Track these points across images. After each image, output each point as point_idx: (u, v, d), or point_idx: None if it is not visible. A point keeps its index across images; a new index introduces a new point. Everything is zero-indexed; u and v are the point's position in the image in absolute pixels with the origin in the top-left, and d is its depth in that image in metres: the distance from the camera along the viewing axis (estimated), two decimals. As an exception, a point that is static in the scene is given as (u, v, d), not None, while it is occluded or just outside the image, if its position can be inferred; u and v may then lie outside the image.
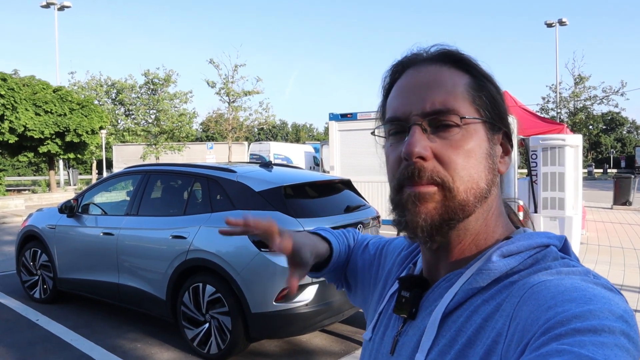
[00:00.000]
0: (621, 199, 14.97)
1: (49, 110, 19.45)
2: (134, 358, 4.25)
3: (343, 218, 4.32)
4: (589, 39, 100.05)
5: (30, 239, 5.95)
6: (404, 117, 0.67)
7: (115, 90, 32.38)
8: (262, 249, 3.86)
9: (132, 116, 32.17)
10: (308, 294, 3.91)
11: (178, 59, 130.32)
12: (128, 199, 5.22)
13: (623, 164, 52.30)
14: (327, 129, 14.15)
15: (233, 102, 25.33)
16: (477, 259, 0.67)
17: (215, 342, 4.08)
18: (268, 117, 26.80)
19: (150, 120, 31.34)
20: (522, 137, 8.37)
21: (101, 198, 5.78)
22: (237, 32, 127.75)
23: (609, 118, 53.62)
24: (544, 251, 0.63)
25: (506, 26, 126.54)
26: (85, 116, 20.70)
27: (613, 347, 0.46)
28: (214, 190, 4.39)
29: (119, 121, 32.55)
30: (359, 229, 4.37)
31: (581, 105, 33.24)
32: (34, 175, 50.38)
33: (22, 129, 18.39)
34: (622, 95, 32.49)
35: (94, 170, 33.45)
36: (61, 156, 21.55)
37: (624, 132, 66.03)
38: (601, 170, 48.29)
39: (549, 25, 30.70)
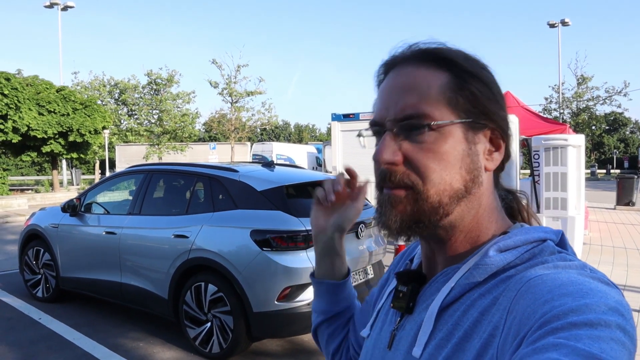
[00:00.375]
0: (624, 199, 14.94)
1: (52, 110, 19.51)
2: (136, 357, 4.26)
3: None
4: (591, 39, 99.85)
5: (33, 238, 5.97)
6: (380, 122, 0.69)
7: (118, 90, 32.46)
8: (264, 249, 3.87)
9: (135, 116, 32.24)
10: (310, 294, 3.92)
11: (181, 59, 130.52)
12: (130, 198, 5.23)
13: (626, 164, 52.17)
14: (329, 130, 14.15)
15: (236, 102, 25.39)
16: (474, 253, 0.67)
17: (217, 342, 4.08)
18: (270, 117, 26.85)
19: (153, 121, 31.39)
20: (524, 137, 8.37)
21: (104, 197, 5.80)
22: (240, 33, 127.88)
23: (611, 118, 53.47)
24: (540, 245, 0.64)
25: (508, 26, 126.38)
26: (88, 116, 20.75)
27: (609, 341, 0.46)
28: (216, 190, 4.40)
29: (122, 121, 32.62)
30: (360, 228, 4.37)
31: (584, 105, 33.19)
32: (37, 175, 50.51)
33: (26, 128, 18.45)
34: (625, 95, 32.44)
35: (97, 170, 33.52)
36: (64, 156, 21.61)
37: (627, 133, 65.80)
38: (604, 171, 48.18)
39: (552, 26, 30.64)
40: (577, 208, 7.33)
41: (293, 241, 3.91)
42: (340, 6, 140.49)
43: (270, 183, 4.24)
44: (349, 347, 0.99)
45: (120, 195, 6.57)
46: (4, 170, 20.58)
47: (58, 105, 19.69)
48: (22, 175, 52.28)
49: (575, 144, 7.14)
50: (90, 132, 20.81)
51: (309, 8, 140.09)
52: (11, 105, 17.59)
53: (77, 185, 28.09)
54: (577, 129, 30.25)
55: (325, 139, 43.49)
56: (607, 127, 57.36)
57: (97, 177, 32.61)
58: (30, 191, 22.10)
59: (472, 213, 0.68)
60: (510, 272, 0.62)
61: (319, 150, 28.44)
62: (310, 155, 28.69)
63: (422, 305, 0.69)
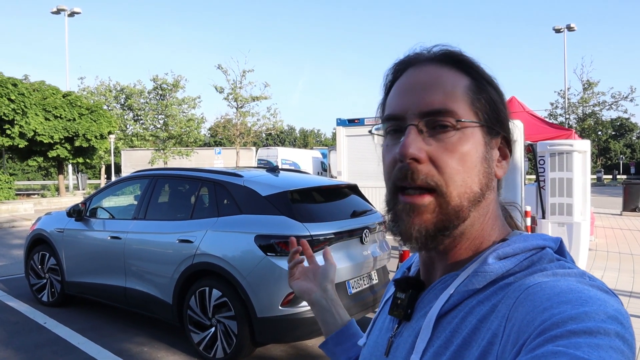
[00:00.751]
0: (630, 205, 14.84)
1: (59, 115, 19.63)
2: (141, 362, 4.26)
3: (349, 223, 4.32)
4: (597, 44, 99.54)
5: (38, 243, 5.99)
6: (401, 116, 0.67)
7: (124, 96, 32.67)
8: (268, 254, 3.87)
9: (141, 121, 32.41)
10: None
11: (186, 65, 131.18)
12: (136, 203, 5.25)
13: (632, 170, 51.83)
14: (334, 135, 14.14)
15: (241, 107, 25.45)
16: (473, 261, 0.67)
17: (222, 346, 4.08)
18: (276, 122, 26.89)
19: (158, 126, 31.56)
20: (529, 142, 8.34)
21: (109, 202, 5.82)
22: (245, 38, 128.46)
23: (618, 124, 53.24)
24: (539, 253, 0.63)
25: (514, 32, 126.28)
26: (94, 121, 20.86)
27: (608, 349, 0.46)
28: (221, 195, 4.41)
29: (128, 126, 32.81)
30: (364, 233, 4.37)
31: (590, 111, 33.07)
32: (44, 180, 50.75)
33: (32, 133, 18.57)
34: (631, 100, 32.31)
35: (103, 175, 33.67)
36: (70, 161, 21.70)
37: (634, 138, 65.43)
38: (610, 177, 47.92)
39: (557, 31, 30.63)
40: (583, 214, 7.30)
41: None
42: (345, 11, 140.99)
43: (274, 188, 4.24)
44: None
45: (125, 200, 6.60)
46: (11, 175, 20.73)
47: (64, 110, 19.81)
48: (29, 180, 52.56)
49: (581, 149, 7.10)
50: (96, 137, 20.91)
51: (314, 13, 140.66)
52: (18, 111, 17.71)
53: (83, 190, 28.20)
54: (583, 134, 30.13)
55: (330, 144, 43.51)
56: (613, 133, 57.11)
57: (103, 181, 32.76)
58: (36, 196, 22.20)
59: (480, 220, 0.68)
60: (509, 280, 0.62)
61: (324, 155, 28.50)
62: (315, 160, 28.73)
63: (420, 313, 0.69)
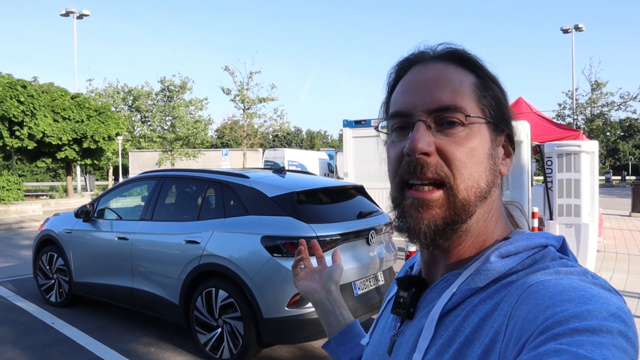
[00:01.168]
0: (639, 206, 14.72)
1: (67, 116, 19.77)
2: (147, 362, 4.27)
3: (355, 224, 4.32)
4: (606, 44, 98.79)
5: (47, 243, 6.04)
6: (408, 113, 0.68)
7: (131, 97, 32.84)
8: (275, 254, 3.87)
9: (148, 123, 32.56)
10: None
11: (194, 66, 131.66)
12: (143, 204, 5.28)
13: (642, 171, 51.40)
14: (341, 136, 14.12)
15: (248, 109, 25.52)
16: (475, 259, 0.67)
17: (228, 347, 4.09)
18: (282, 123, 26.95)
19: (165, 127, 31.70)
20: (537, 143, 8.30)
21: (116, 203, 5.85)
22: (252, 39, 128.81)
23: (627, 124, 52.75)
24: (542, 251, 0.63)
25: (521, 32, 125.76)
26: (102, 123, 20.99)
27: (611, 347, 0.46)
28: (227, 196, 4.42)
29: (135, 128, 32.96)
30: (371, 234, 4.36)
31: (598, 111, 32.87)
32: (52, 181, 51.14)
33: (41, 135, 18.71)
34: (640, 101, 32.04)
35: (111, 176, 33.87)
36: (78, 162, 21.85)
37: (643, 139, 64.87)
38: (619, 177, 47.57)
39: (565, 31, 30.47)
40: (591, 215, 7.25)
41: (303, 247, 3.90)
42: (353, 12, 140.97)
43: (281, 189, 4.25)
44: None
45: (132, 201, 6.63)
46: (20, 176, 20.88)
47: (73, 112, 19.95)
48: (37, 181, 52.98)
49: (589, 150, 7.06)
50: (104, 138, 21.04)
51: (321, 15, 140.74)
52: (27, 112, 17.86)
53: (91, 191, 28.38)
54: (591, 135, 29.95)
55: (337, 145, 43.50)
56: (622, 133, 56.64)
57: (110, 183, 32.95)
58: (44, 197, 22.37)
59: (484, 217, 0.68)
60: (512, 278, 0.62)
61: (331, 157, 28.47)
62: (322, 161, 28.72)
63: (423, 311, 0.69)
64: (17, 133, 18.09)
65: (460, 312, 0.63)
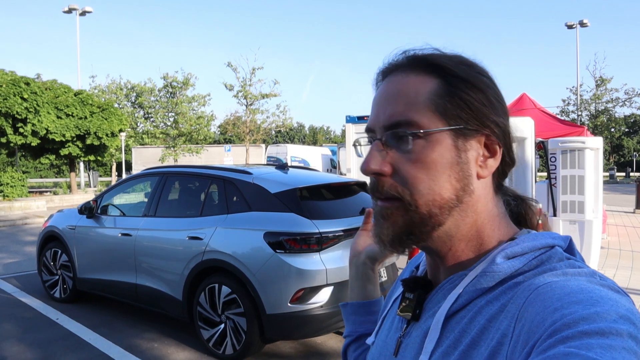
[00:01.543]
0: (644, 203, 14.67)
1: (70, 113, 19.80)
2: (151, 357, 4.29)
3: (358, 220, 4.31)
4: (611, 40, 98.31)
5: (51, 240, 6.06)
6: (372, 129, 0.69)
7: (134, 94, 32.86)
8: (277, 251, 3.88)
9: (151, 119, 32.61)
10: (323, 296, 3.91)
11: (196, 62, 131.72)
12: (146, 200, 5.29)
13: (646, 167, 51.22)
14: (344, 132, 14.14)
15: (251, 104, 25.54)
16: (480, 260, 0.66)
17: (231, 343, 4.10)
18: (285, 119, 26.98)
19: (168, 123, 31.73)
20: (541, 139, 8.26)
21: (120, 199, 5.87)
22: (255, 35, 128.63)
23: (631, 121, 52.51)
24: (549, 252, 0.62)
25: (525, 28, 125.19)
26: (105, 119, 21.02)
27: (621, 350, 0.45)
28: (230, 192, 4.43)
29: (138, 124, 33.00)
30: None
31: (602, 107, 32.74)
32: (55, 177, 51.29)
33: (44, 131, 18.75)
34: (645, 97, 31.89)
35: (114, 173, 33.93)
36: (82, 158, 21.90)
37: (647, 135, 64.57)
38: (623, 174, 47.40)
39: (570, 27, 30.32)
40: (595, 211, 7.22)
41: (306, 243, 3.91)
42: (356, 8, 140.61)
43: (284, 185, 4.25)
44: None
45: (136, 197, 6.65)
46: (24, 172, 20.92)
47: (76, 108, 19.98)
48: (41, 177, 53.15)
49: (593, 146, 7.03)
50: (107, 135, 21.08)
51: (323, 11, 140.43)
52: (30, 109, 17.90)
53: (94, 187, 28.47)
54: (595, 131, 29.83)
55: (339, 141, 43.46)
56: (626, 130, 56.39)
57: (114, 179, 33.03)
58: (48, 193, 22.45)
59: (468, 221, 0.66)
60: (519, 279, 0.61)
61: (334, 153, 28.49)
62: (324, 157, 28.73)
63: (429, 313, 0.69)
64: (21, 130, 18.14)
65: (467, 314, 0.63)
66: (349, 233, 4.12)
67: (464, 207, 0.65)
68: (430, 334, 0.65)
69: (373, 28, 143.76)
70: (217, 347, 4.20)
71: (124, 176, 25.06)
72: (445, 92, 0.65)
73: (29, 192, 20.35)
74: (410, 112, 0.64)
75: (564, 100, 35.50)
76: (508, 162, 0.69)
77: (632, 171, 50.26)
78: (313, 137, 79.42)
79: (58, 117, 19.45)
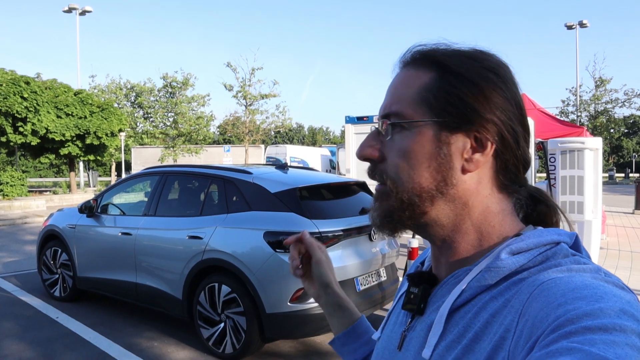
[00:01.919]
0: (643, 203, 14.69)
1: (70, 113, 19.82)
2: (151, 356, 4.30)
3: (358, 220, 4.32)
4: (610, 40, 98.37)
5: (51, 238, 6.07)
6: (378, 118, 0.74)
7: (134, 94, 32.88)
8: (277, 250, 3.89)
9: (151, 119, 32.62)
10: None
11: (196, 63, 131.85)
12: (146, 199, 5.30)
13: (645, 168, 51.25)
14: (343, 132, 14.11)
15: (250, 105, 25.51)
16: (485, 255, 0.66)
17: (231, 342, 4.11)
18: (285, 120, 26.96)
19: (168, 123, 31.73)
20: (540, 140, 8.28)
21: (120, 199, 5.88)
22: (255, 36, 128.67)
23: (631, 121, 52.51)
24: (554, 248, 0.62)
25: (525, 28, 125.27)
26: (105, 119, 21.03)
27: (624, 346, 0.45)
28: (230, 192, 4.44)
29: (138, 124, 33.01)
30: (373, 230, 4.37)
31: (602, 108, 32.75)
32: (55, 177, 51.25)
33: (44, 131, 18.76)
34: (644, 98, 31.90)
35: (113, 172, 33.94)
36: (81, 158, 21.92)
37: (647, 136, 64.59)
38: (623, 175, 47.42)
39: (569, 28, 30.34)
40: (594, 212, 7.23)
41: (306, 243, 3.91)
42: (355, 8, 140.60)
43: (283, 185, 4.26)
44: None
45: (135, 196, 6.66)
46: (23, 172, 20.96)
47: (76, 108, 20.00)
48: (41, 177, 53.12)
49: (593, 147, 7.05)
50: (106, 134, 21.09)
51: (324, 11, 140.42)
52: (30, 109, 17.91)
53: (94, 187, 28.46)
54: (594, 132, 29.85)
55: (339, 142, 43.47)
56: (626, 130, 56.42)
57: (113, 179, 33.01)
58: (48, 192, 22.45)
59: (459, 214, 0.67)
60: (523, 275, 0.61)
61: (333, 153, 28.48)
62: (324, 157, 28.71)
63: (433, 307, 0.69)
64: (21, 129, 18.15)
65: (471, 309, 0.63)
66: (349, 233, 4.13)
67: (449, 198, 0.67)
68: (434, 328, 0.66)
69: (374, 28, 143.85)
70: (217, 346, 4.21)
71: (124, 176, 25.04)
72: (435, 86, 0.67)
73: (29, 191, 20.35)
74: (399, 104, 0.69)
75: (563, 101, 35.52)
76: (510, 161, 0.68)
77: (631, 172, 50.28)
78: (312, 137, 79.41)
79: (58, 117, 19.46)
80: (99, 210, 5.55)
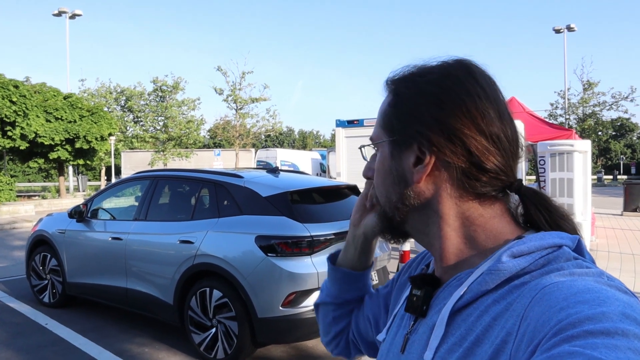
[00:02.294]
0: (631, 205, 14.84)
1: (59, 117, 19.65)
2: (142, 362, 4.26)
3: (349, 223, 4.32)
4: (598, 44, 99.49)
5: (40, 244, 6.00)
6: None
7: (124, 97, 32.66)
8: (269, 254, 3.88)
9: (141, 123, 32.39)
10: (315, 299, 3.91)
11: (186, 66, 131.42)
12: (136, 204, 5.26)
13: (633, 170, 51.82)
14: (334, 136, 14.13)
15: (240, 109, 25.45)
16: (487, 258, 0.66)
17: (222, 347, 4.09)
18: (275, 124, 26.89)
19: (158, 127, 31.54)
20: (530, 143, 8.34)
21: (110, 203, 5.83)
22: (245, 39, 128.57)
23: (618, 124, 53.05)
24: (556, 252, 0.62)
25: (514, 32, 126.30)
26: (95, 123, 20.88)
27: (626, 351, 0.45)
28: (222, 196, 4.42)
29: (128, 128, 32.79)
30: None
31: (590, 111, 33.06)
32: (44, 181, 50.75)
33: (33, 135, 18.58)
34: (631, 101, 32.28)
35: (103, 177, 33.67)
36: (71, 162, 21.73)
37: (634, 138, 65.28)
38: (611, 177, 47.90)
39: (557, 31, 30.65)
40: (584, 214, 7.30)
41: (298, 247, 3.92)
42: (345, 12, 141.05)
43: (275, 189, 4.25)
44: (350, 330, 1.04)
45: (126, 201, 6.61)
46: (12, 176, 20.74)
47: (65, 112, 19.83)
48: (29, 181, 52.59)
49: (582, 149, 7.12)
50: (96, 138, 20.93)
51: (314, 15, 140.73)
52: (19, 112, 17.75)
53: (84, 191, 28.21)
54: (583, 134, 30.12)
55: (329, 146, 43.51)
56: (613, 133, 57.03)
57: (103, 183, 32.76)
58: (37, 197, 22.21)
59: (433, 221, 0.71)
60: (525, 278, 0.61)
61: (323, 157, 28.48)
62: (314, 161, 28.73)
63: (435, 309, 0.69)
64: (9, 133, 17.97)
65: (473, 312, 0.63)
66: (340, 236, 4.13)
67: (417, 208, 0.72)
68: (436, 331, 0.66)
69: (363, 31, 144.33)
70: (209, 352, 4.18)
71: (114, 180, 24.87)
72: (389, 110, 0.75)
73: (17, 196, 20.11)
74: (374, 129, 0.79)
75: (552, 104, 35.80)
76: (467, 168, 0.67)
77: (619, 174, 50.81)
78: (303, 141, 79.42)
79: (47, 121, 19.29)
80: (89, 215, 5.51)
